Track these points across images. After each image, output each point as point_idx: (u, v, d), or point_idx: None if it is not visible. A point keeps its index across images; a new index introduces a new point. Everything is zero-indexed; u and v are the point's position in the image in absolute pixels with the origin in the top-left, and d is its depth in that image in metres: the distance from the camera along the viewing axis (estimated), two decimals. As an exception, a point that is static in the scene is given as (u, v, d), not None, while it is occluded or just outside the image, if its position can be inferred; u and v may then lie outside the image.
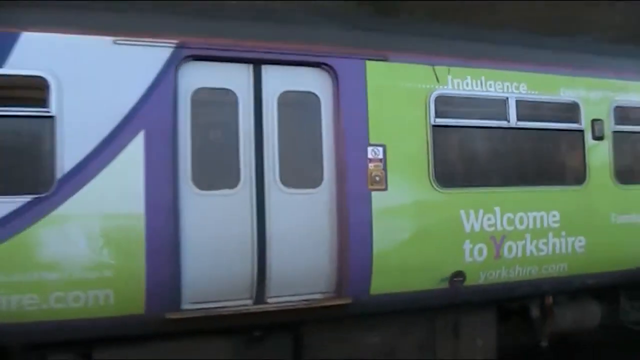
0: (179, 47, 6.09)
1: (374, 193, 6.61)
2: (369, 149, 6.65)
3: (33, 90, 5.71)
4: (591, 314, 8.32)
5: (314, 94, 6.65)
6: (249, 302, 6.32)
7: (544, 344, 8.00)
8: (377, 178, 6.65)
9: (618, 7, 13.36)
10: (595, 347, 9.14)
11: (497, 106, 7.44)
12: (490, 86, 7.38)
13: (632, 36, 12.87)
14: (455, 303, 7.30)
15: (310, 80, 6.67)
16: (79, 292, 5.65)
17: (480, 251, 7.11)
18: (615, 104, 7.94)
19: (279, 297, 6.43)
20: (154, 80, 5.97)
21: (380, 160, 6.66)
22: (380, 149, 6.68)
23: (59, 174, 5.62)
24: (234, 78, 6.41)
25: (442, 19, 11.64)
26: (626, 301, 8.84)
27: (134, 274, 5.78)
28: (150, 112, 5.90)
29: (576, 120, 7.79)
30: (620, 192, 8.02)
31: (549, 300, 7.90)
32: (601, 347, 9.13)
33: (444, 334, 7.44)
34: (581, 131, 7.80)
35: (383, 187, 6.65)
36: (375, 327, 7.14)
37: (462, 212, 7.07)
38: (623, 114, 8.09)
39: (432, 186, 6.91)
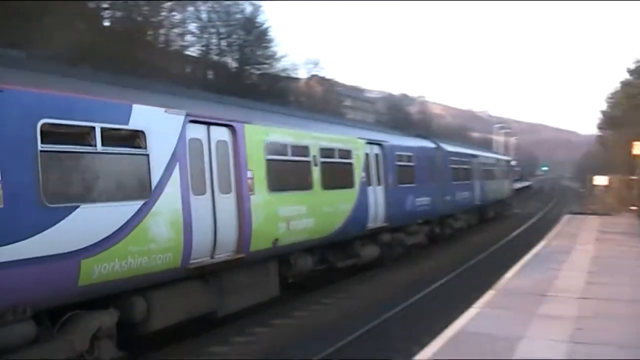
0: (186, 115, 10.86)
1: (251, 196, 12.37)
2: (248, 172, 12.36)
3: (138, 139, 9.81)
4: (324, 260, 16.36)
5: (225, 141, 12.04)
6: (208, 258, 11.30)
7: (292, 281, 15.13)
8: (251, 188, 12.40)
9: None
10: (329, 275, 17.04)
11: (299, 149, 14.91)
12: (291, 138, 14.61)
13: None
14: (276, 255, 13.73)
15: (226, 134, 12.09)
16: (162, 254, 9.95)
17: (284, 226, 13.54)
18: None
19: (219, 255, 11.54)
20: (180, 132, 10.65)
21: (251, 178, 12.45)
22: (251, 172, 12.45)
23: (153, 187, 9.86)
24: (201, 132, 11.43)
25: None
26: (331, 252, 16.73)
27: (179, 243, 10.31)
28: (178, 150, 10.51)
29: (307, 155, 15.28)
30: (324, 194, 15.50)
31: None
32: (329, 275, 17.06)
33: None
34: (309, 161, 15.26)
35: (253, 193, 12.47)
36: (253, 269, 12.92)
37: (278, 206, 13.43)
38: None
39: (267, 191, 13.00)
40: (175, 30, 62.24)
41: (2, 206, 7.58)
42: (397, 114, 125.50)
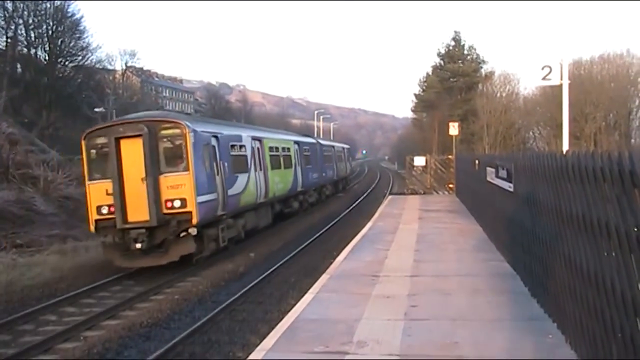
0: (251, 136, 25.53)
1: (268, 172, 26.86)
2: (265, 160, 27.32)
3: (244, 147, 23.92)
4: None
5: (259, 147, 26.43)
6: (262, 199, 25.52)
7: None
8: (267, 168, 26.78)
9: None
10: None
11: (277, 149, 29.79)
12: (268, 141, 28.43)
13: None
14: (270, 202, 27.04)
15: (259, 144, 26.41)
16: (251, 197, 23.86)
17: (274, 187, 27.52)
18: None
19: (260, 199, 25.07)
20: (250, 143, 25.02)
21: (266, 164, 27.31)
22: (265, 160, 27.17)
23: (249, 167, 23.87)
24: (252, 143, 25.50)
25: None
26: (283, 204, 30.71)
27: (254, 192, 24.20)
28: (251, 151, 24.67)
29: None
30: (285, 171, 30.50)
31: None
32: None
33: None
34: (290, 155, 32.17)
35: (267, 170, 26.83)
36: (266, 207, 26.75)
37: (274, 177, 27.66)
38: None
39: (270, 170, 27.19)
40: (-24, 21, 58.13)
41: (228, 175, 20.82)
42: (217, 104, 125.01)
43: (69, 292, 16.47)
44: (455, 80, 68.25)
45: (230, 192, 21.00)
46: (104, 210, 17.89)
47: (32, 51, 61.67)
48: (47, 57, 62.02)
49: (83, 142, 18.54)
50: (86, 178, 18.68)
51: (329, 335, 8.03)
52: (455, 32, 73.27)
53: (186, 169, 17.88)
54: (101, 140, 18.18)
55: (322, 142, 46.55)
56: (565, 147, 16.15)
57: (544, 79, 15.54)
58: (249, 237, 23.75)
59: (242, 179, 22.63)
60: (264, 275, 17.50)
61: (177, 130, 18.09)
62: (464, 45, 69.99)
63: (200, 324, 12.90)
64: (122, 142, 17.81)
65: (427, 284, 10.80)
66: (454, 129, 36.98)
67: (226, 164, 20.93)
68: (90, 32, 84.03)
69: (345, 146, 62.64)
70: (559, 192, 7.29)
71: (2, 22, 59.06)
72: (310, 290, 10.86)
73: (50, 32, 61.47)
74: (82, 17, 66.52)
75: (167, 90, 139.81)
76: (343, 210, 36.06)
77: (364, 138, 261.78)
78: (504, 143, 56.74)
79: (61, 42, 62.54)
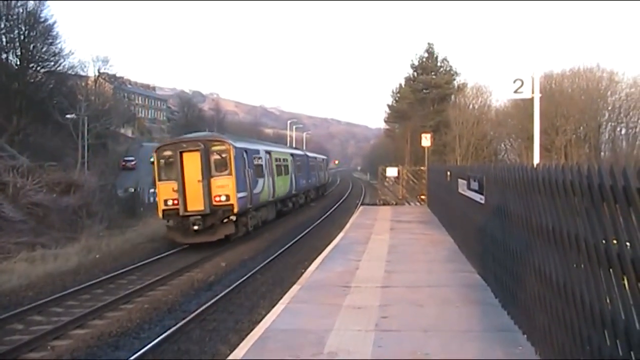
0: (265, 150, 34.33)
1: (275, 177, 35.01)
2: (273, 168, 35.30)
3: (261, 158, 32.05)
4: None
5: (270, 158, 34.71)
6: (271, 199, 33.93)
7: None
8: (275, 175, 35.01)
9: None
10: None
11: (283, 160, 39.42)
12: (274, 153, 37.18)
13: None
14: (275, 201, 35.06)
15: (269, 155, 34.85)
16: (266, 195, 32.24)
17: (278, 189, 35.42)
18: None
19: (270, 198, 33.62)
20: (265, 155, 33.45)
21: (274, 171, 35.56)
22: (273, 168, 35.12)
23: (263, 173, 31.99)
24: (266, 155, 33.83)
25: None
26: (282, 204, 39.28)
27: (268, 192, 32.57)
28: (266, 161, 33.46)
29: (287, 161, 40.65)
30: (284, 177, 39.10)
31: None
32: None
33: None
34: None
35: (275, 176, 35.05)
36: (273, 205, 34.90)
37: (278, 182, 35.77)
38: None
39: (276, 176, 35.10)
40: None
41: (253, 179, 29.25)
42: (190, 112, 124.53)
43: (37, 300, 16.28)
44: (428, 91, 68.72)
45: (254, 191, 29.07)
46: (170, 203, 25.16)
47: (3, 56, 60.94)
48: (18, 62, 61.31)
49: (154, 154, 26.31)
50: (156, 179, 26.31)
51: (300, 345, 7.98)
52: (429, 44, 73.90)
53: (230, 173, 25.61)
54: (168, 153, 25.71)
55: (308, 154, 57.42)
56: (536, 159, 16.31)
57: (515, 92, 15.70)
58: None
59: (260, 182, 30.84)
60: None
61: (224, 147, 25.96)
62: (437, 57, 70.55)
63: (170, 333, 12.80)
64: (184, 155, 25.27)
65: (399, 295, 10.81)
66: (426, 140, 37.17)
67: (251, 170, 28.91)
68: (63, 37, 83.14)
69: (324, 157, 74.50)
70: (529, 205, 7.35)
71: (-28, 27, 58.41)
72: (282, 300, 10.80)
73: (22, 36, 60.80)
74: (55, 22, 66.03)
75: (140, 98, 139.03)
76: (315, 220, 36.24)
77: (336, 147, 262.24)
78: (475, 154, 57.20)
79: (33, 47, 61.90)
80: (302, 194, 47.04)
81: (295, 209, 42.68)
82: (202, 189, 24.87)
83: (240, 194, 26.12)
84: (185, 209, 24.75)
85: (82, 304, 16.25)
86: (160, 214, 25.82)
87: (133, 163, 78.36)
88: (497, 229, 9.65)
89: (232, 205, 25.39)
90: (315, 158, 60.77)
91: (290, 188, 40.34)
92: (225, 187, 25.34)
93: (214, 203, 25.12)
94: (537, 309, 7.11)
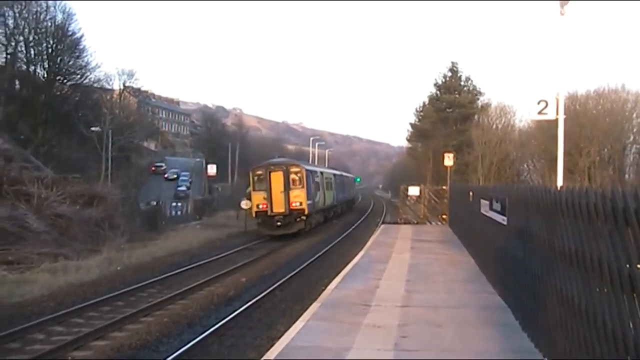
0: (319, 171, 48.25)
1: (324, 191, 47.21)
2: (322, 185, 46.91)
3: (318, 177, 45.22)
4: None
5: (320, 176, 46.85)
6: (323, 206, 46.42)
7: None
8: (323, 189, 46.21)
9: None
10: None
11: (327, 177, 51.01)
12: (324, 173, 49.87)
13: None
14: (322, 210, 46.18)
15: (322, 175, 47.49)
16: (323, 203, 45.72)
17: (325, 201, 46.78)
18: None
19: (321, 206, 44.96)
20: (320, 175, 46.19)
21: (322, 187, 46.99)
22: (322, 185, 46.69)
23: (320, 188, 45.00)
24: (319, 175, 46.22)
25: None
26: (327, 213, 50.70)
27: (322, 201, 45.22)
28: (320, 179, 45.39)
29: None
30: (329, 191, 50.55)
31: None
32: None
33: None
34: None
35: (323, 190, 46.43)
36: (322, 212, 46.31)
37: (325, 195, 46.88)
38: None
39: (323, 190, 46.03)
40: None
41: (314, 191, 40.76)
42: (213, 126, 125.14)
43: (58, 311, 16.37)
44: (451, 110, 68.42)
45: (315, 200, 40.56)
46: (260, 206, 36.16)
47: (31, 68, 61.76)
48: (45, 75, 62.09)
49: (250, 172, 38.31)
50: (251, 190, 37.23)
51: (319, 363, 7.97)
52: (453, 63, 73.42)
53: (302, 187, 36.89)
54: (260, 172, 37.09)
55: (343, 174, 71.38)
56: (560, 181, 16.21)
57: (540, 113, 15.66)
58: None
59: (318, 194, 42.28)
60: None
61: (298, 169, 37.75)
62: (460, 76, 70.23)
63: (189, 346, 12.83)
64: (272, 173, 36.55)
65: (418, 315, 10.77)
66: (448, 159, 37.09)
67: (314, 186, 40.44)
68: (89, 51, 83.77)
69: (352, 176, 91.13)
70: (552, 227, 7.32)
71: (3, 39, 59.22)
72: (302, 317, 10.81)
73: (50, 50, 61.60)
74: (82, 35, 66.61)
75: (164, 112, 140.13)
76: (335, 237, 36.16)
77: (357, 165, 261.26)
78: (498, 174, 56.75)
79: (60, 60, 62.65)
80: (339, 205, 58.20)
81: (335, 217, 54.00)
82: (284, 198, 36.09)
83: (309, 202, 37.61)
84: (272, 211, 35.90)
85: (102, 316, 16.31)
86: (253, 214, 36.86)
87: (163, 168, 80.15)
88: (519, 250, 9.60)
89: (303, 209, 36.74)
90: (347, 177, 74.44)
91: (333, 200, 51.71)
92: (299, 197, 36.55)
93: (291, 207, 36.23)
94: (558, 331, 7.06)
